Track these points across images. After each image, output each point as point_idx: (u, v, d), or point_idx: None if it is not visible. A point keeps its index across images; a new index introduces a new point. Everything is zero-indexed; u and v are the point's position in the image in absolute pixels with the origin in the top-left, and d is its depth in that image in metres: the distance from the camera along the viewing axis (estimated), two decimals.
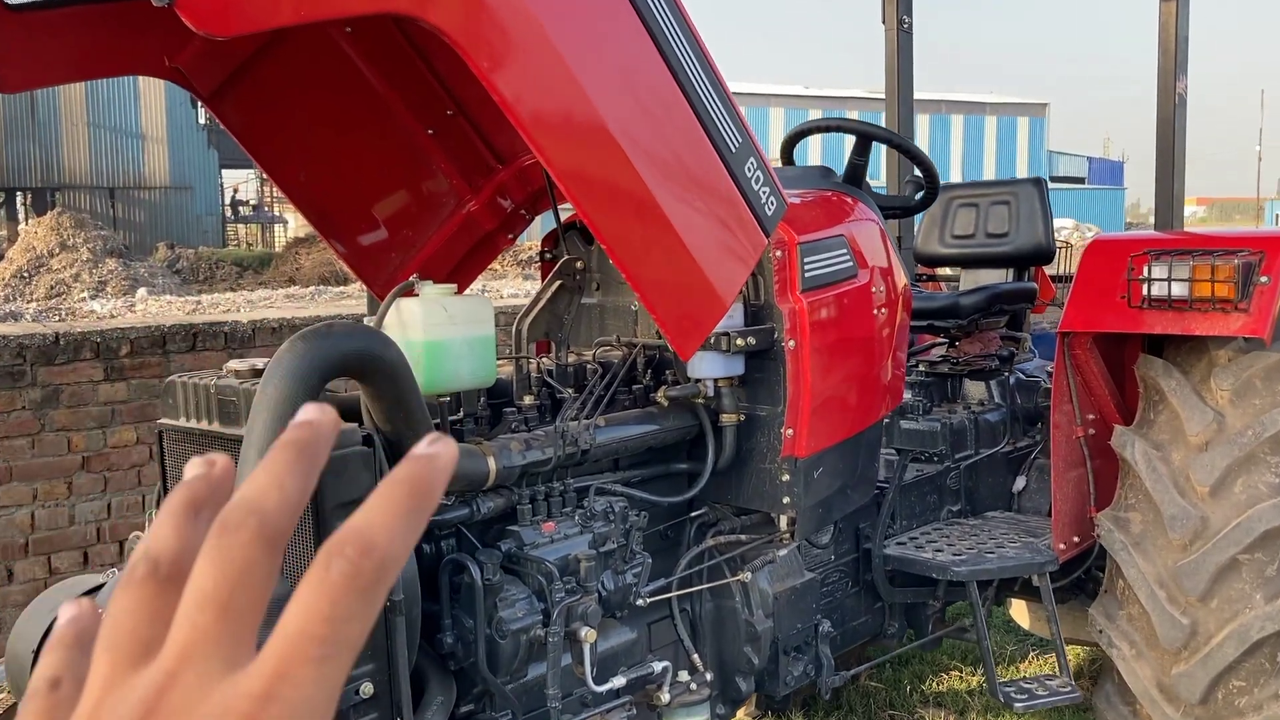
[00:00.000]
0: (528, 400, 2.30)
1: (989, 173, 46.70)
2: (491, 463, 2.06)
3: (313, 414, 0.41)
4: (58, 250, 20.07)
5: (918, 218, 4.20)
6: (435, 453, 0.39)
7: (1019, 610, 4.62)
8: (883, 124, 4.19)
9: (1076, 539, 3.11)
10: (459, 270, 2.71)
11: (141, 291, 18.12)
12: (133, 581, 0.39)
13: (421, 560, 2.10)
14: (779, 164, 3.08)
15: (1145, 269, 2.85)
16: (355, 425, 1.84)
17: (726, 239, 2.23)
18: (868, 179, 3.11)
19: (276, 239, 32.70)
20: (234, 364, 1.95)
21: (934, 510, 3.33)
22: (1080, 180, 48.06)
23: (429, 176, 2.64)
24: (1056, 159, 49.93)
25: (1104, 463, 3.13)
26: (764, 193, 2.29)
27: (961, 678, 4.48)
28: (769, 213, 2.31)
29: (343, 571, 0.36)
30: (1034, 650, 4.67)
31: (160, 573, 0.39)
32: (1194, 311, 2.82)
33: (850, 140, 3.07)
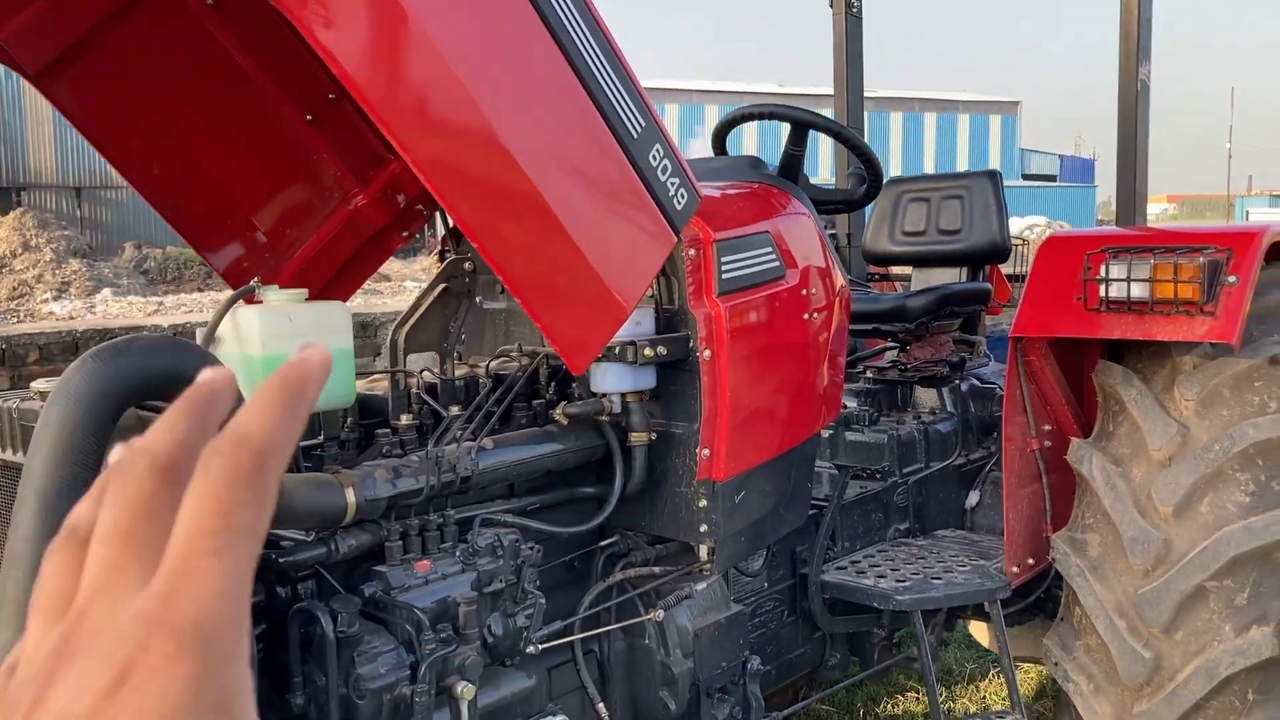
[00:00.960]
0: (405, 420, 2.03)
1: (964, 169, 46.63)
2: (350, 494, 1.78)
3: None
4: (20, 251, 19.57)
5: (868, 213, 3.95)
6: (306, 354, 0.41)
7: (979, 628, 4.38)
8: (831, 114, 3.94)
9: (1031, 560, 2.87)
10: (345, 272, 2.43)
11: (105, 292, 17.68)
12: (54, 549, 0.40)
13: (274, 607, 1.83)
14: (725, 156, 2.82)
15: (1103, 268, 2.61)
16: None
17: (627, 236, 1.96)
18: (806, 173, 2.86)
19: None
20: (38, 384, 1.66)
21: (879, 530, 3.07)
22: (1052, 178, 48.16)
23: (309, 168, 2.36)
24: (1029, 157, 50.05)
25: (1061, 477, 2.89)
26: (672, 184, 2.03)
27: (918, 699, 4.24)
28: (678, 206, 2.05)
29: (221, 466, 0.37)
30: (994, 668, 4.43)
31: (78, 536, 0.40)
32: (1156, 314, 2.58)
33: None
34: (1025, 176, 47.12)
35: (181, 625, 0.35)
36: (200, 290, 20.14)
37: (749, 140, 35.10)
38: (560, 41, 1.81)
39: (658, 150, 2.00)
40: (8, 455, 1.66)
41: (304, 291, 1.85)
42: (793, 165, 2.79)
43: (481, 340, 2.44)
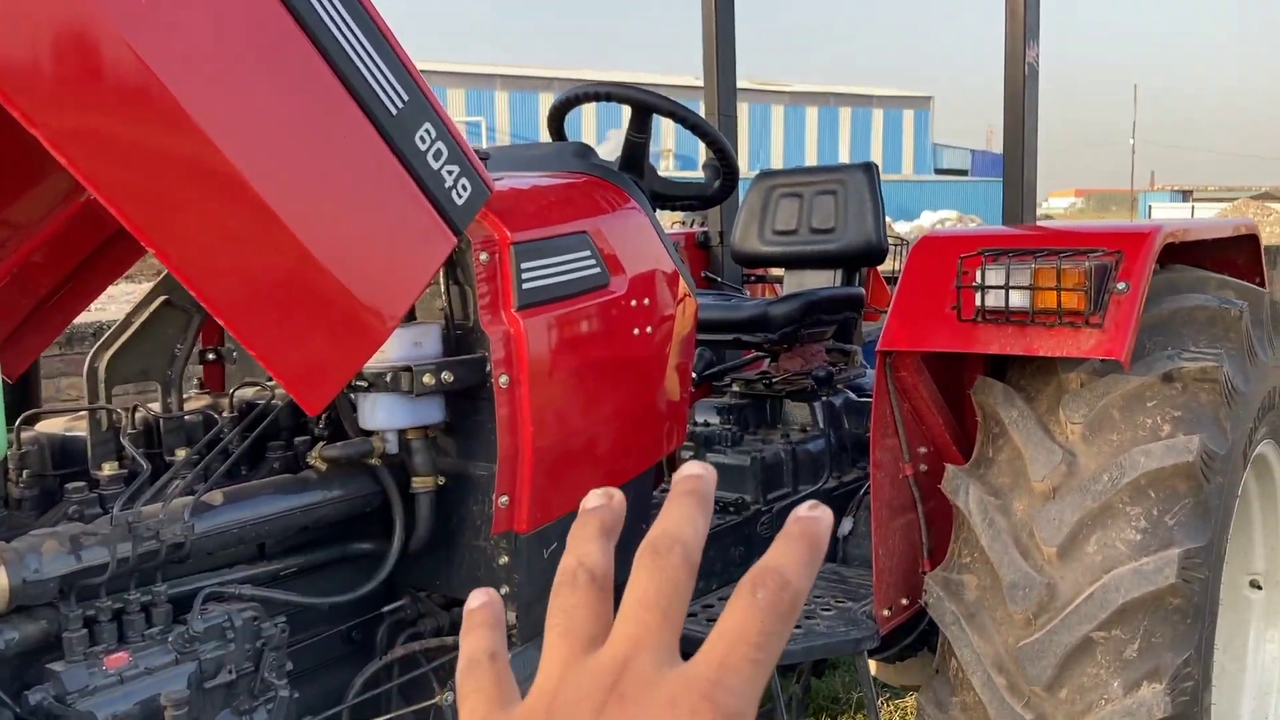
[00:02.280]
0: (108, 469, 1.61)
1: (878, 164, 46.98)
2: (3, 576, 1.37)
3: (697, 469, 0.48)
4: None
5: (739, 210, 3.60)
6: (818, 515, 0.45)
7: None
8: (702, 107, 3.59)
9: (905, 601, 2.54)
10: (66, 296, 1.99)
11: None
12: (578, 586, 0.46)
13: None
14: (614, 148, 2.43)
15: (978, 273, 2.28)
16: None
17: (382, 237, 1.57)
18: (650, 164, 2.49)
19: None
20: None
21: (739, 566, 2.72)
22: (964, 172, 48.79)
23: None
24: (941, 151, 50.68)
25: (939, 504, 2.56)
26: (449, 173, 1.65)
27: None
28: (458, 200, 1.67)
29: (767, 598, 0.42)
30: (883, 695, 4.13)
31: (596, 582, 0.46)
32: (1037, 326, 2.26)
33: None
34: (938, 171, 47.72)
35: (728, 708, 0.40)
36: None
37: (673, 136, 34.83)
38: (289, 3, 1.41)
39: (428, 130, 1.61)
40: None
41: None
42: (635, 155, 2.43)
43: (223, 367, 2.02)
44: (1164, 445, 2.20)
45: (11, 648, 1.42)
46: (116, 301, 5.74)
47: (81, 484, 1.58)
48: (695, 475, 0.47)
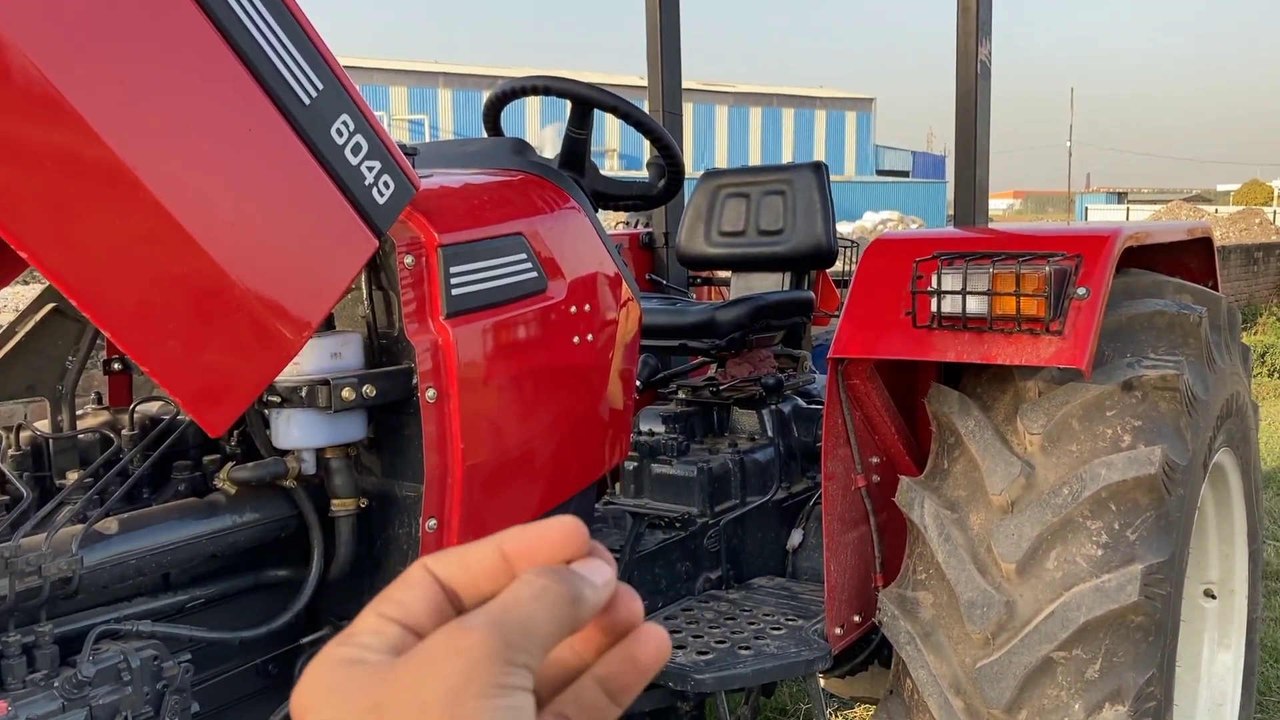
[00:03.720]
0: None
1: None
2: None
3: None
4: None
5: (685, 210, 3.48)
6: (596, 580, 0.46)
7: None
8: (645, 102, 3.47)
9: (858, 618, 2.44)
10: None
11: None
12: (431, 567, 0.47)
13: None
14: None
15: (934, 278, 2.19)
16: None
17: (291, 239, 1.43)
18: (593, 160, 2.37)
19: None
20: None
21: (686, 583, 2.61)
22: (905, 174, 49.27)
23: None
24: (883, 153, 51.16)
25: (893, 516, 2.47)
26: (370, 169, 1.51)
27: None
28: (379, 199, 1.53)
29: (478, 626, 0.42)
30: (830, 708, 4.05)
31: (449, 585, 0.47)
32: (995, 333, 2.17)
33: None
34: (879, 172, 48.15)
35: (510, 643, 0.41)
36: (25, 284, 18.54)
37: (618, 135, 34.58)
38: None
39: (345, 123, 1.48)
40: None
41: None
42: (576, 152, 2.30)
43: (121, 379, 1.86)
44: (1125, 457, 2.12)
45: None
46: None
47: None
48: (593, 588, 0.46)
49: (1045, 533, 2.11)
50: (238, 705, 1.71)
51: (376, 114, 1.69)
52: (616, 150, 37.39)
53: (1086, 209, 51.05)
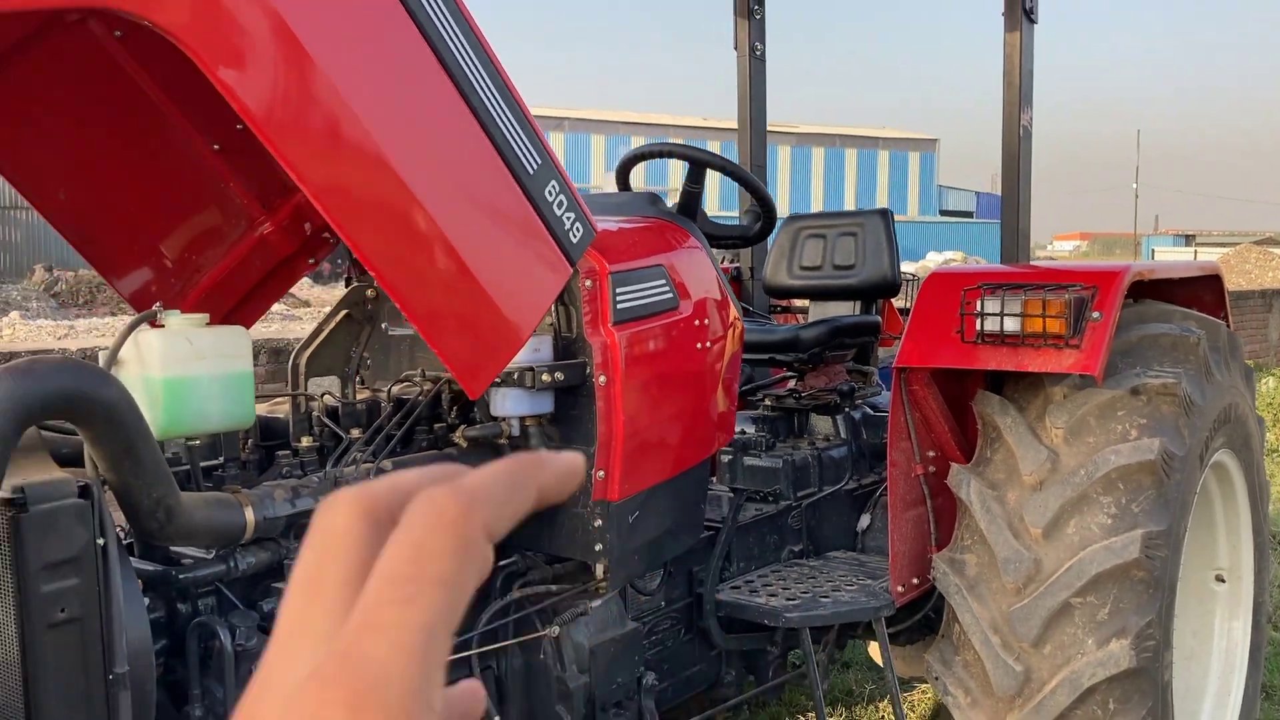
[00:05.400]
0: (305, 442, 2.10)
1: (881, 206, 47.67)
2: (249, 514, 1.85)
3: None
4: None
5: (769, 248, 4.10)
6: (561, 455, 0.43)
7: (878, 650, 4.53)
8: (735, 154, 4.10)
9: (916, 580, 3.01)
10: (251, 298, 2.49)
11: (13, 315, 17.21)
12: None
13: (174, 622, 1.88)
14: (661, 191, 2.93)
15: (979, 303, 2.77)
16: (69, 474, 1.62)
17: (523, 267, 2.06)
18: (704, 209, 2.99)
19: None
20: None
21: (774, 551, 3.19)
22: (969, 214, 49.40)
23: (215, 196, 2.42)
24: (946, 193, 51.30)
25: (945, 501, 3.04)
26: (568, 219, 2.14)
27: None
28: (574, 240, 2.15)
29: (424, 511, 0.36)
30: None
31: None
32: (1027, 347, 2.75)
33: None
34: (943, 212, 48.36)
35: (358, 687, 0.32)
36: (113, 314, 19.64)
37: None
38: (456, 81, 1.90)
39: (553, 186, 2.11)
40: None
41: (205, 316, 1.91)
42: (691, 202, 2.92)
43: (387, 365, 2.51)
44: (1131, 446, 2.67)
45: (251, 569, 1.89)
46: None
47: (287, 452, 2.06)
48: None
49: (1066, 505, 2.66)
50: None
51: None
52: (676, 189, 38.21)
53: (1153, 251, 50.83)
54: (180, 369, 1.79)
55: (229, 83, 1.57)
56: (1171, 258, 44.52)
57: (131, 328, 1.82)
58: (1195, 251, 46.74)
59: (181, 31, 1.55)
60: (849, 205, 45.67)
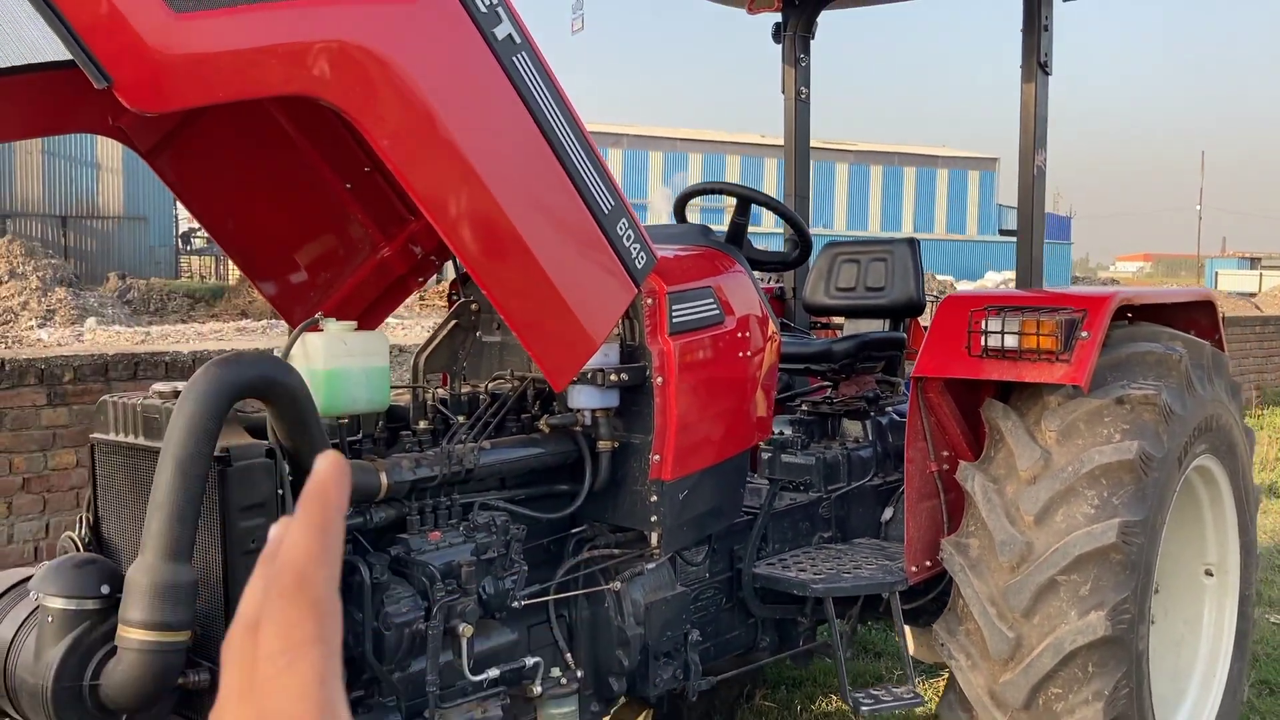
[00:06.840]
0: (422, 425, 2.62)
1: (940, 224, 47.74)
2: (383, 477, 2.37)
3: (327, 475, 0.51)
4: (6, 278, 20.01)
5: (809, 272, 4.59)
6: (321, 469, 0.51)
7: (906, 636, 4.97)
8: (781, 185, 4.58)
9: (929, 563, 3.46)
10: (373, 308, 3.03)
11: (90, 321, 18.14)
12: (230, 639, 0.50)
13: None
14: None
15: (984, 322, 3.23)
16: (260, 441, 2.15)
17: (598, 288, 2.57)
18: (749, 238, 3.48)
19: (230, 272, 32.70)
20: (159, 386, 2.25)
21: (806, 536, 3.67)
22: None
23: (346, 225, 2.96)
24: (1006, 213, 51.02)
25: (957, 495, 3.49)
26: (635, 248, 2.64)
27: None
28: (639, 265, 2.66)
29: (274, 593, 0.46)
30: (918, 675, 5.00)
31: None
32: (1024, 361, 3.20)
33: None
34: (1002, 231, 48.18)
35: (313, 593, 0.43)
36: (184, 321, 20.57)
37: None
38: (549, 139, 2.42)
39: (624, 223, 2.62)
40: (133, 439, 2.24)
41: (354, 322, 2.45)
42: (737, 232, 3.42)
43: (481, 366, 3.04)
44: (1113, 447, 3.11)
45: (382, 521, 2.42)
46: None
47: (409, 432, 2.58)
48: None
49: (1055, 496, 3.10)
50: (534, 565, 2.84)
51: None
52: (700, 205, 38.84)
53: (1217, 273, 50.27)
54: (337, 363, 2.32)
55: (385, 148, 2.10)
56: (1234, 280, 43.98)
57: (300, 332, 2.36)
58: (1260, 275, 46.18)
59: (349, 108, 2.08)
60: (906, 223, 45.72)
